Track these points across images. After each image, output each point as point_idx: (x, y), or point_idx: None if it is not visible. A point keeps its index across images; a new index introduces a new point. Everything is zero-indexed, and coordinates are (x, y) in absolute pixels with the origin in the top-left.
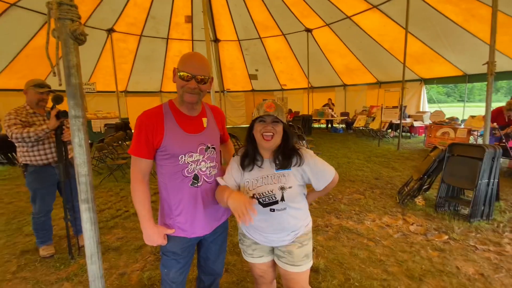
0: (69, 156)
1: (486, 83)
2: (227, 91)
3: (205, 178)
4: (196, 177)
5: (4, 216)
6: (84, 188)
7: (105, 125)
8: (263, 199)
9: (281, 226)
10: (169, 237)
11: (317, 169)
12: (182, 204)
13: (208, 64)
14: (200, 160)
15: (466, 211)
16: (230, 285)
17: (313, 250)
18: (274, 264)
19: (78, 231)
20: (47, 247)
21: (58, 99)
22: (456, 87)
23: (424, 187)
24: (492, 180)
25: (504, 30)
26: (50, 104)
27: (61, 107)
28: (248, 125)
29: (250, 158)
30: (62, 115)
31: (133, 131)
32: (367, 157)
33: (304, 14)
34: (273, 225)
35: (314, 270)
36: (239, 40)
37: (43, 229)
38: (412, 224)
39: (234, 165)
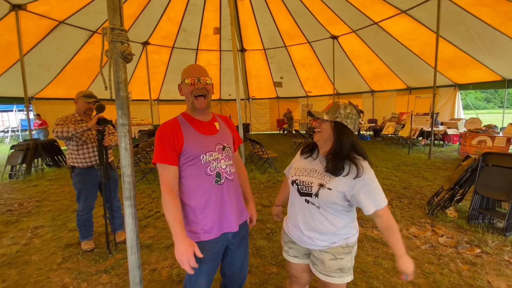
0: (109, 160)
1: None
2: (252, 99)
3: (226, 175)
4: (218, 175)
5: (51, 213)
6: (127, 187)
7: (139, 131)
8: (301, 187)
9: (313, 224)
10: (199, 244)
11: (370, 189)
12: (208, 204)
13: (206, 71)
14: (220, 159)
15: (501, 224)
16: (252, 286)
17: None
18: (309, 269)
19: (116, 228)
20: (88, 242)
21: (100, 108)
22: (497, 93)
23: (456, 198)
24: None
25: None
26: (95, 112)
27: (105, 115)
28: (272, 132)
29: (310, 148)
30: (103, 122)
31: None
32: (395, 166)
33: (330, 22)
34: (305, 218)
35: None
36: (264, 49)
37: (85, 225)
38: (441, 236)
39: (297, 155)
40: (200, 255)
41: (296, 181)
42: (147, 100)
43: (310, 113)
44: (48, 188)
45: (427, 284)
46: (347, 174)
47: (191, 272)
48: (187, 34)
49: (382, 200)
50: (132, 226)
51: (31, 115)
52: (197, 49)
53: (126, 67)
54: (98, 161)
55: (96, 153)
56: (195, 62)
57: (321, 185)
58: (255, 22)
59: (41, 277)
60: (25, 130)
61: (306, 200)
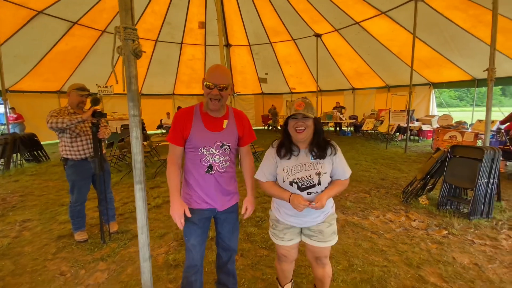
0: (103, 152)
1: (496, 87)
2: (237, 94)
3: (218, 168)
4: (210, 167)
5: (37, 207)
6: (138, 172)
7: (122, 126)
8: (302, 183)
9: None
10: (189, 210)
11: (343, 159)
12: (199, 185)
13: (229, 74)
14: (215, 154)
15: (466, 209)
16: (245, 267)
17: None
18: (298, 246)
19: (109, 219)
20: (81, 233)
21: (96, 101)
22: (469, 91)
23: (428, 187)
24: (491, 180)
25: (511, 35)
26: (88, 105)
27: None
28: (257, 127)
29: (286, 149)
30: (98, 115)
31: (147, 132)
32: (374, 159)
33: (314, 20)
34: (308, 209)
35: None
36: (250, 45)
37: (78, 217)
38: (414, 220)
39: (270, 157)
40: (188, 214)
41: (294, 180)
42: None
43: (304, 116)
44: (30, 183)
45: (401, 260)
46: (330, 154)
47: (181, 226)
48: (172, 28)
49: (347, 171)
50: (142, 208)
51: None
52: (181, 43)
53: (136, 63)
54: (92, 153)
55: (89, 145)
56: (179, 56)
57: (319, 173)
58: (241, 18)
59: (37, 266)
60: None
61: (308, 192)
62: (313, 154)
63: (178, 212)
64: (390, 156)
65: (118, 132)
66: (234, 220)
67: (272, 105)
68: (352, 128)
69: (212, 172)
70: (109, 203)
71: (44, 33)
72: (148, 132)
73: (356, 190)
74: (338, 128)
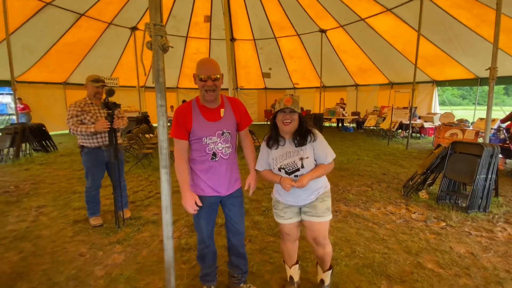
0: (119, 142)
1: (499, 86)
2: (240, 89)
3: (221, 155)
4: (214, 154)
5: (50, 194)
6: (164, 157)
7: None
8: (288, 168)
9: (308, 186)
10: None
11: (324, 145)
12: (204, 172)
13: (218, 65)
14: (218, 142)
15: (465, 203)
16: (253, 252)
17: None
18: (299, 225)
19: (123, 206)
20: (97, 218)
21: (110, 92)
22: (472, 90)
23: (428, 182)
24: (490, 176)
25: None
26: (104, 96)
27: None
28: (259, 123)
29: (273, 140)
30: (113, 106)
31: (152, 124)
32: (376, 155)
33: (319, 15)
34: (297, 189)
35: None
36: (254, 40)
37: (93, 202)
38: (414, 213)
39: (263, 150)
40: (200, 203)
41: (281, 166)
42: (134, 86)
43: (291, 110)
44: (40, 172)
45: (400, 248)
46: (310, 140)
47: (194, 212)
48: (177, 21)
49: (330, 155)
50: (166, 190)
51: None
52: (186, 37)
53: (163, 57)
54: (105, 142)
55: (103, 134)
56: (184, 50)
57: (301, 159)
58: (246, 12)
59: (57, 248)
60: (4, 114)
61: (295, 175)
62: (296, 142)
63: (190, 202)
64: (391, 152)
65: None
66: (240, 203)
67: (275, 100)
68: (354, 125)
69: (216, 159)
70: (122, 191)
71: (51, 24)
72: (154, 125)
73: (358, 183)
74: (340, 124)
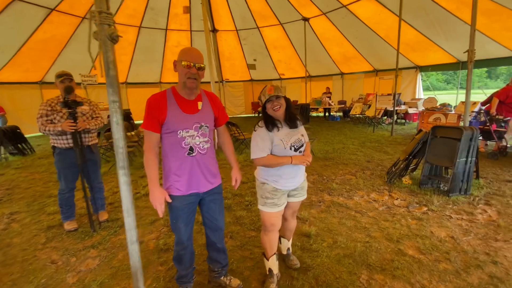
0: (90, 143)
1: (482, 69)
2: (226, 81)
3: (199, 150)
4: (191, 149)
5: (25, 199)
6: (121, 157)
7: (108, 116)
8: (296, 145)
9: (301, 165)
10: (172, 197)
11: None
12: (181, 169)
13: (203, 56)
14: (195, 136)
15: (446, 187)
16: (234, 248)
17: (306, 221)
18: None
19: (98, 208)
20: (71, 222)
21: (68, 90)
22: (456, 74)
23: (411, 167)
24: (470, 159)
25: (495, 17)
26: (80, 92)
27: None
28: (247, 115)
29: (272, 124)
30: (74, 104)
31: (135, 121)
32: (361, 143)
33: (301, 3)
34: (299, 166)
35: (306, 235)
36: (237, 30)
37: (67, 205)
38: (396, 199)
39: (263, 135)
40: (169, 200)
41: (292, 144)
42: None
43: (277, 96)
44: (16, 177)
45: (382, 236)
46: (299, 124)
47: (161, 212)
48: (155, 13)
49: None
50: (126, 192)
51: None
52: (166, 29)
53: (114, 48)
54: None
55: (78, 135)
56: (164, 42)
57: (302, 135)
58: (227, 1)
59: (27, 256)
60: None
61: (299, 151)
62: (289, 125)
63: (158, 200)
64: (376, 139)
65: (105, 122)
66: (220, 200)
67: (261, 92)
68: (341, 113)
69: (194, 154)
70: (98, 193)
71: (21, 20)
72: (135, 122)
73: (342, 172)
74: (327, 114)
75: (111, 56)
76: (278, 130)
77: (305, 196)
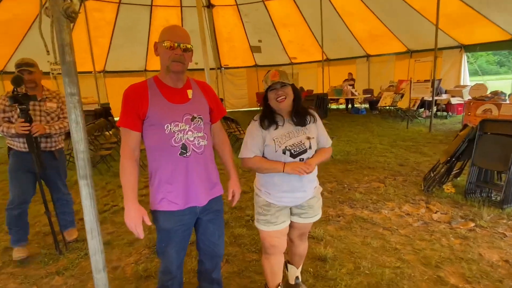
0: (54, 148)
1: None
2: (225, 68)
3: (194, 148)
4: (184, 147)
5: None
6: (82, 164)
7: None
8: (294, 149)
9: (308, 178)
10: (161, 214)
11: (324, 130)
12: (173, 175)
13: (189, 36)
14: (187, 130)
15: (499, 197)
16: (231, 275)
17: (321, 240)
18: (287, 231)
19: (64, 226)
20: (21, 249)
21: (16, 81)
22: (511, 55)
23: (454, 172)
24: None
25: None
26: (50, 85)
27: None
28: (251, 109)
29: (269, 119)
30: (24, 99)
31: (115, 118)
32: (392, 142)
33: None
34: (301, 177)
35: (321, 258)
36: (237, 4)
37: (17, 225)
38: (435, 212)
39: (254, 132)
40: (148, 222)
41: (287, 148)
42: (91, 72)
43: (282, 84)
44: None
45: (417, 260)
46: (310, 121)
47: (140, 236)
48: None
49: (328, 139)
50: (90, 208)
51: None
52: (151, 5)
53: (70, 27)
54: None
55: (33, 138)
56: (150, 21)
57: (309, 138)
58: None
59: None
60: None
61: (300, 159)
62: (294, 121)
63: (134, 220)
64: (411, 137)
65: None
66: (219, 219)
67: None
68: (367, 105)
69: (188, 154)
70: (63, 206)
71: None
72: (115, 119)
73: (368, 179)
74: (349, 106)
75: (67, 37)
76: (276, 128)
77: (317, 217)
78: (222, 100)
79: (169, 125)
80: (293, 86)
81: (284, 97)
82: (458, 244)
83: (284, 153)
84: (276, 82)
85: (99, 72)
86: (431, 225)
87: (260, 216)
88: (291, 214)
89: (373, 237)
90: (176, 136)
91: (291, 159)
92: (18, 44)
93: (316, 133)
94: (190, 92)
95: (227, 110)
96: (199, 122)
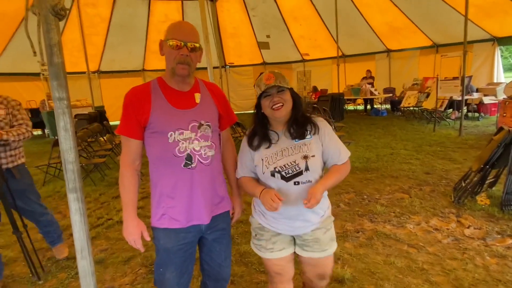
0: (11, 165)
1: None
2: (230, 66)
3: (199, 158)
4: (189, 157)
5: None
6: (71, 176)
7: (76, 115)
8: (286, 171)
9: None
10: (161, 232)
11: (335, 138)
12: (176, 189)
13: (198, 33)
14: (193, 138)
15: None
16: None
17: (338, 259)
18: (293, 258)
19: (52, 242)
20: None
21: None
22: None
23: (488, 181)
24: None
25: None
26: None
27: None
28: None
29: (260, 137)
30: None
31: (110, 122)
32: (417, 146)
33: None
34: (297, 202)
35: (338, 280)
36: None
37: None
38: (468, 227)
39: (243, 149)
40: (147, 238)
41: (276, 169)
42: (84, 72)
43: (278, 88)
44: None
45: (447, 282)
46: (312, 132)
47: (141, 249)
48: None
49: (346, 148)
50: (80, 224)
51: None
52: None
53: (59, 26)
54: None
55: None
56: (148, 17)
57: (305, 157)
58: None
59: None
60: None
61: (295, 182)
62: (291, 132)
63: (133, 236)
64: (439, 141)
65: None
66: (226, 238)
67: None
68: (388, 106)
69: (193, 166)
70: (48, 226)
71: None
72: (111, 123)
73: (390, 189)
74: (368, 106)
75: (55, 37)
76: (269, 146)
77: (327, 253)
78: None
79: (173, 133)
80: (291, 90)
81: (281, 104)
82: (494, 264)
83: (273, 175)
84: (271, 86)
85: (93, 72)
86: (463, 242)
87: (254, 240)
88: (295, 243)
89: (397, 256)
90: (180, 145)
91: (283, 183)
92: (6, 43)
93: (320, 149)
94: (198, 96)
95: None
96: (206, 130)
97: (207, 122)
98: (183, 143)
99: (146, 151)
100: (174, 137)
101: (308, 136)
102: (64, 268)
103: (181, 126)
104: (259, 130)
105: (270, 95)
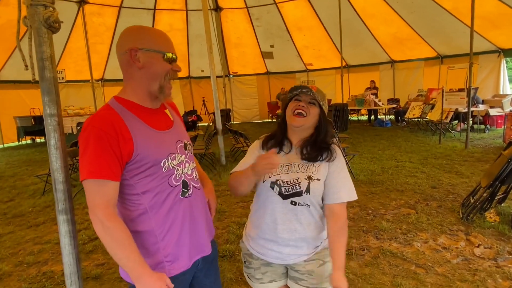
0: None
1: None
2: (234, 75)
3: (193, 183)
4: (185, 185)
5: None
6: (61, 197)
7: (78, 124)
8: (286, 188)
9: (301, 229)
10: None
11: (346, 173)
12: (173, 226)
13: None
14: (184, 162)
15: None
16: None
17: None
18: None
19: None
20: None
21: None
22: None
23: (498, 198)
24: None
25: None
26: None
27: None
28: (262, 120)
29: (275, 141)
30: None
31: None
32: (422, 159)
33: None
34: (291, 225)
35: None
36: (247, 7)
37: None
38: (478, 246)
39: (252, 151)
40: (171, 285)
41: (277, 182)
42: (88, 81)
43: (310, 93)
44: None
45: None
46: (325, 158)
47: None
48: None
49: (354, 191)
50: (70, 247)
51: None
52: (154, 9)
53: (52, 39)
54: None
55: None
56: (153, 26)
57: (310, 178)
58: None
59: None
60: None
61: (292, 202)
62: (304, 153)
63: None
64: (444, 153)
65: (74, 132)
66: (215, 272)
67: (282, 88)
68: (392, 117)
69: (189, 193)
70: None
71: None
72: None
73: (396, 204)
74: (372, 117)
75: (48, 50)
76: (278, 153)
77: (322, 285)
78: (230, 110)
79: (166, 160)
80: (322, 111)
81: (305, 114)
82: (507, 286)
83: (272, 187)
84: (306, 89)
85: (97, 80)
86: (473, 262)
87: (244, 267)
88: (289, 276)
89: (405, 276)
90: (176, 172)
91: (279, 199)
92: (12, 51)
93: (325, 174)
94: (169, 113)
95: (235, 122)
96: (190, 150)
97: (188, 141)
98: (178, 170)
99: (124, 192)
100: (168, 165)
101: (319, 161)
102: (59, 284)
103: (171, 150)
104: (278, 134)
105: (300, 100)
